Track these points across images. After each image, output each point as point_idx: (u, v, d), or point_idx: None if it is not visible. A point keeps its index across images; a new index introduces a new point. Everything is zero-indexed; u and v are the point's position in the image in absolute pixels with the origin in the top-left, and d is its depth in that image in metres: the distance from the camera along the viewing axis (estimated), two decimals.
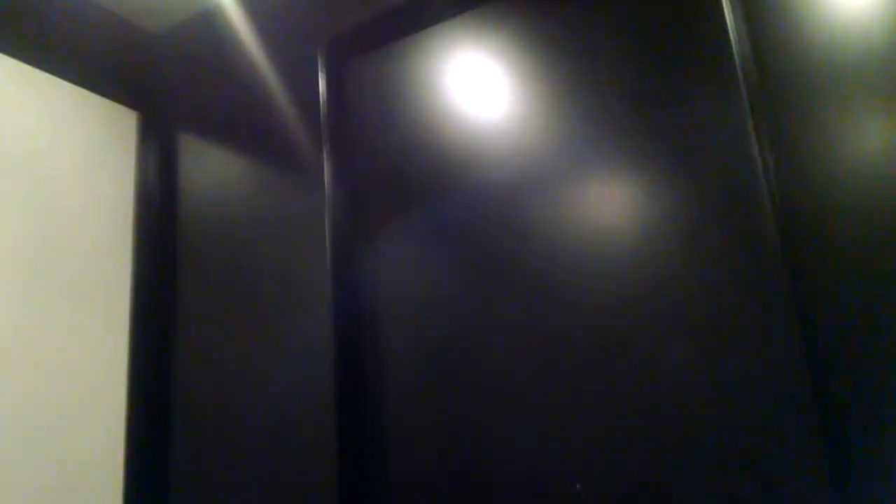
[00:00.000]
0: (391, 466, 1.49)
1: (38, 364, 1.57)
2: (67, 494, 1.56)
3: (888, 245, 1.12)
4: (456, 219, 1.54)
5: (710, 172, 1.29)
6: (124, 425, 1.73)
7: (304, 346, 1.59)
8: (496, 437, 1.39)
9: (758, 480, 1.14)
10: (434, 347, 1.51)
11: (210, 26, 1.96)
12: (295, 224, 1.69)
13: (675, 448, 1.22)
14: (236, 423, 1.65)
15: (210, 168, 1.90)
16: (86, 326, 1.70)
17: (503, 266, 1.46)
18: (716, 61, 1.31)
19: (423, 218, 1.59)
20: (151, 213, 1.91)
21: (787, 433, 1.13)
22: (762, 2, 1.28)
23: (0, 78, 1.65)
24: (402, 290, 1.58)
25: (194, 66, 2.00)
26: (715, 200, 1.27)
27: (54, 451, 1.56)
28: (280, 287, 1.68)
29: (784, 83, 1.25)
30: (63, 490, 1.56)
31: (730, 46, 1.29)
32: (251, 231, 1.77)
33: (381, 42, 1.75)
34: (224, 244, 1.81)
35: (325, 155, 1.66)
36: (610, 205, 1.39)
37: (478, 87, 1.59)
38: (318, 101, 1.71)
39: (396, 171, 1.66)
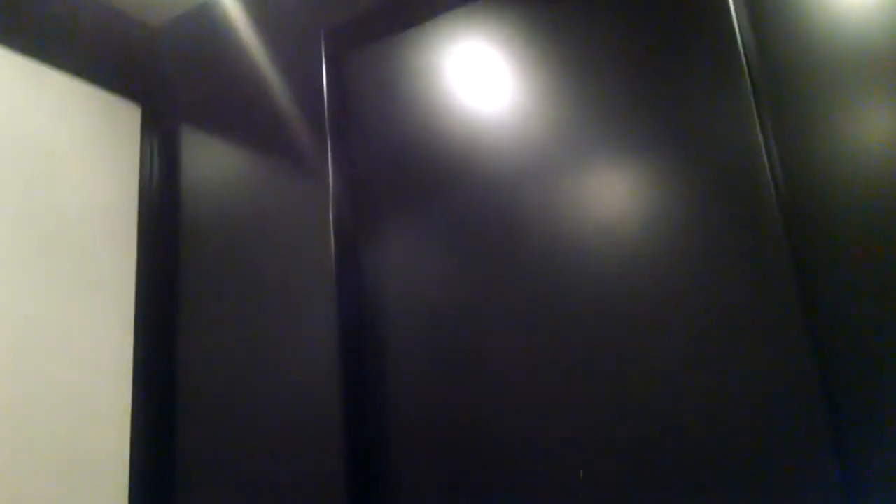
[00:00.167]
0: (396, 457, 1.50)
1: (42, 355, 1.58)
2: (73, 483, 1.57)
3: (894, 234, 1.12)
4: (459, 211, 1.55)
5: (713, 162, 1.28)
6: (129, 415, 1.74)
7: (308, 337, 1.59)
8: (500, 427, 1.40)
9: (761, 472, 1.15)
10: (438, 339, 1.51)
11: (211, 19, 1.96)
12: (298, 217, 1.69)
13: (677, 437, 1.22)
14: (241, 414, 1.66)
15: (212, 161, 1.90)
16: (90, 318, 1.71)
17: (507, 257, 1.46)
18: (720, 51, 1.31)
19: (425, 210, 1.60)
20: (154, 206, 1.91)
21: (791, 424, 1.13)
22: None
23: (1, 72, 1.65)
24: (406, 283, 1.58)
25: (195, 59, 2.00)
26: (718, 190, 1.27)
27: (60, 440, 1.57)
28: (283, 279, 1.68)
29: (788, 72, 1.25)
30: (69, 479, 1.57)
31: (734, 36, 1.29)
32: (254, 223, 1.77)
33: (382, 33, 1.75)
34: (227, 236, 1.82)
35: (328, 147, 1.66)
36: (612, 195, 1.39)
37: (480, 79, 1.59)
38: (320, 94, 1.71)
39: (399, 164, 1.66)
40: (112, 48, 1.95)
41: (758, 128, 1.24)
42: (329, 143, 1.67)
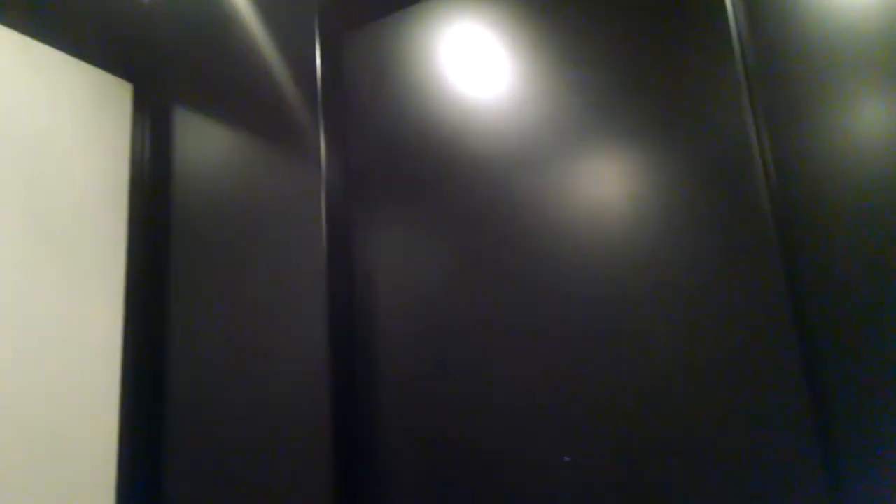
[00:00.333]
0: (385, 448, 1.51)
1: (29, 337, 1.58)
2: (60, 469, 1.58)
3: (883, 221, 1.13)
4: (453, 198, 1.54)
5: (705, 152, 1.28)
6: (118, 401, 1.74)
7: (299, 324, 1.59)
8: (489, 413, 1.40)
9: (745, 458, 1.16)
10: (428, 327, 1.51)
11: None
12: (290, 200, 1.68)
13: (663, 424, 1.23)
14: (229, 403, 1.66)
15: (204, 140, 1.89)
16: (78, 300, 1.70)
17: (499, 245, 1.46)
18: (713, 42, 1.30)
19: (419, 197, 1.59)
20: (145, 185, 1.90)
21: (777, 413, 1.14)
22: None
23: None
24: (398, 271, 1.58)
25: (188, 37, 1.98)
26: (709, 180, 1.27)
27: (47, 426, 1.57)
28: (275, 265, 1.67)
29: (782, 64, 1.25)
30: (56, 465, 1.57)
31: (728, 26, 1.28)
32: (246, 206, 1.76)
33: (377, 14, 1.73)
34: (218, 217, 1.81)
35: (320, 130, 1.65)
36: (606, 184, 1.38)
37: (476, 63, 1.58)
38: (314, 75, 1.69)
39: (393, 149, 1.65)
40: (104, 25, 1.92)
41: (750, 119, 1.24)
42: (322, 125, 1.65)
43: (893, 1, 1.17)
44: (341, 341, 1.56)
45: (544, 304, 1.38)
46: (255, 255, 1.71)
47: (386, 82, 1.69)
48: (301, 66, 1.73)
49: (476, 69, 1.57)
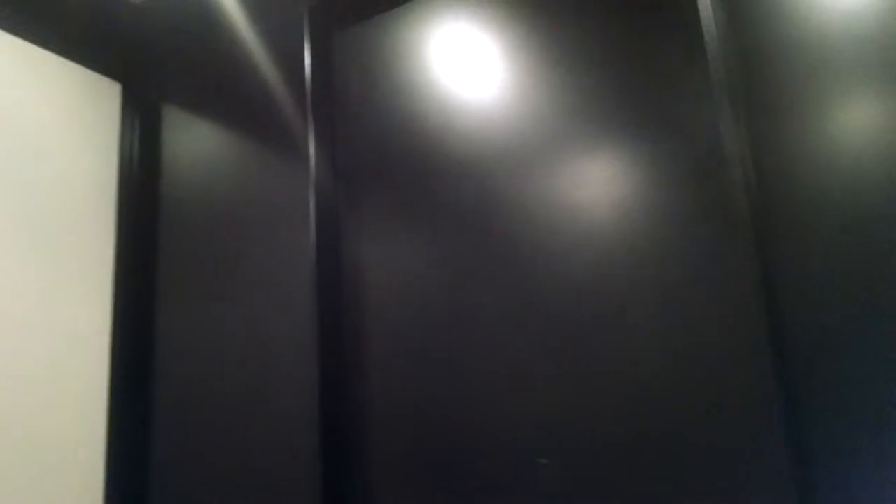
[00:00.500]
0: (370, 439, 1.51)
1: (19, 329, 1.57)
2: (49, 458, 1.56)
3: (856, 218, 1.14)
4: (439, 193, 1.55)
5: (682, 148, 1.30)
6: (106, 391, 1.74)
7: (287, 320, 1.60)
8: (474, 408, 1.41)
9: (717, 455, 1.17)
10: (415, 323, 1.52)
11: None
12: (279, 196, 1.69)
13: (639, 423, 1.24)
14: (217, 394, 1.66)
15: (193, 139, 1.89)
16: (68, 296, 1.70)
17: (485, 240, 1.47)
18: (688, 42, 1.32)
19: (406, 192, 1.60)
20: (133, 183, 1.90)
21: (750, 406, 1.16)
22: None
23: None
24: (385, 266, 1.59)
25: (177, 37, 1.99)
26: (687, 180, 1.28)
27: (35, 414, 1.56)
28: (263, 260, 1.68)
29: (759, 67, 1.27)
30: (44, 454, 1.56)
31: (701, 27, 1.30)
32: (235, 202, 1.77)
33: (366, 14, 1.74)
34: (206, 216, 1.81)
35: (310, 128, 1.66)
36: (587, 180, 1.39)
37: (465, 62, 1.60)
38: (303, 74, 1.70)
39: (381, 145, 1.66)
40: (93, 24, 1.93)
41: (727, 120, 1.25)
42: (311, 124, 1.66)
43: (869, 4, 1.19)
44: (329, 337, 1.56)
45: (528, 300, 1.39)
46: (244, 253, 1.71)
47: (375, 81, 1.70)
48: (290, 65, 1.74)
49: (464, 69, 1.59)
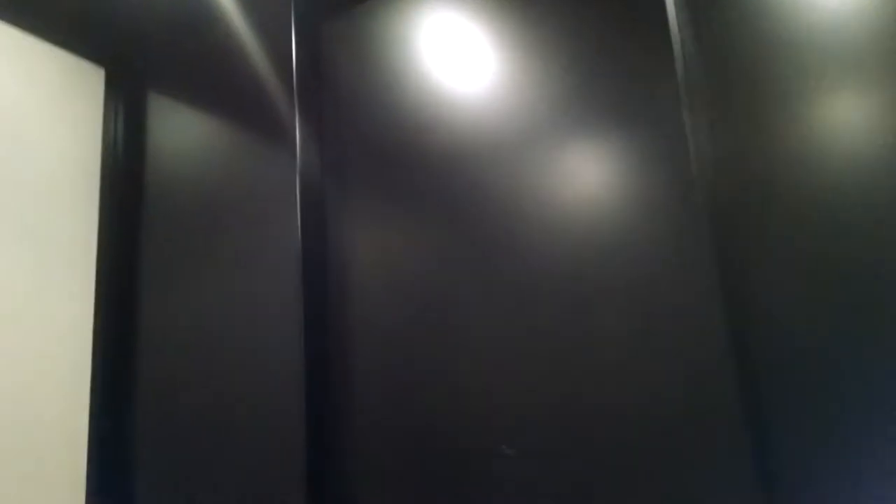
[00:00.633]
0: (355, 428, 1.52)
1: (2, 316, 1.56)
2: (31, 447, 1.56)
3: (815, 220, 1.16)
4: (426, 184, 1.55)
5: (646, 147, 1.31)
6: (88, 384, 1.73)
7: (273, 310, 1.59)
8: (460, 403, 1.41)
9: (681, 454, 1.18)
10: (401, 315, 1.52)
11: None
12: (264, 186, 1.67)
13: (604, 413, 1.25)
14: (202, 384, 1.66)
15: (179, 127, 1.87)
16: (49, 285, 1.68)
17: (471, 232, 1.47)
18: (655, 41, 1.32)
19: (394, 183, 1.59)
20: (117, 171, 1.88)
21: (710, 409, 1.17)
22: None
23: None
24: (372, 257, 1.58)
25: (162, 22, 1.96)
26: (649, 174, 1.29)
27: (17, 401, 1.55)
28: (249, 249, 1.67)
29: (721, 64, 1.28)
30: (25, 442, 1.55)
31: (668, 26, 1.31)
32: (220, 191, 1.75)
33: (354, 2, 1.73)
34: (192, 204, 1.80)
35: (296, 116, 1.64)
36: (565, 170, 1.40)
37: (453, 52, 1.59)
38: (290, 61, 1.69)
39: (369, 135, 1.65)
40: (76, 8, 1.90)
41: (686, 116, 1.26)
42: (297, 113, 1.65)
43: (833, 4, 1.21)
44: (315, 326, 1.56)
45: (506, 290, 1.39)
46: (229, 243, 1.70)
47: (363, 71, 1.69)
48: (277, 53, 1.72)
49: (452, 59, 1.58)
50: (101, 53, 1.94)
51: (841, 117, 1.18)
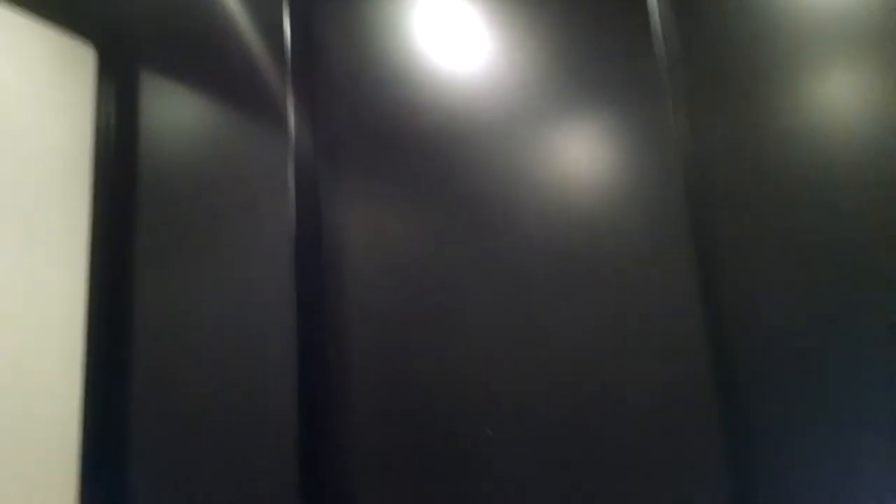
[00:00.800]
0: (346, 408, 1.48)
1: None
2: (21, 430, 1.53)
3: (794, 206, 1.17)
4: (421, 165, 1.51)
5: (629, 125, 1.31)
6: (81, 371, 1.70)
7: (266, 292, 1.56)
8: (456, 388, 1.39)
9: (654, 447, 1.19)
10: (396, 293, 1.49)
11: None
12: (258, 167, 1.63)
13: (585, 398, 1.26)
14: (195, 367, 1.62)
15: (172, 107, 1.84)
16: (40, 270, 1.65)
17: (465, 213, 1.44)
18: (635, 24, 1.32)
19: (388, 164, 1.56)
20: (110, 153, 1.84)
21: (685, 385, 1.18)
22: None
23: None
24: (367, 238, 1.55)
25: (155, 1, 1.89)
26: (631, 160, 1.30)
27: (7, 385, 1.53)
28: (242, 231, 1.63)
29: (703, 52, 1.29)
30: (17, 425, 1.53)
31: (647, 14, 1.31)
32: (214, 173, 1.71)
33: None
34: (185, 186, 1.76)
35: (289, 95, 1.60)
36: (554, 153, 1.39)
37: (449, 30, 1.55)
38: (284, 40, 1.64)
39: (363, 115, 1.61)
40: None
41: (669, 100, 1.26)
42: (291, 92, 1.61)
43: None
44: (309, 312, 1.52)
45: (504, 273, 1.38)
46: (223, 227, 1.67)
47: (357, 51, 1.64)
48: (270, 32, 1.68)
49: (446, 40, 1.55)
50: (91, 32, 1.88)
51: (828, 101, 1.18)
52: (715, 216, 1.22)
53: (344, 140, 1.62)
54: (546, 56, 1.41)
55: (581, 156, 1.35)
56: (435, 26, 1.56)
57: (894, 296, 1.09)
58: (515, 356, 1.33)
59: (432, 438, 1.39)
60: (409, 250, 1.49)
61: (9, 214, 1.60)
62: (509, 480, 1.30)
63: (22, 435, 1.53)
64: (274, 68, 1.65)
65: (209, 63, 1.77)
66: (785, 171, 1.18)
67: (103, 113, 1.84)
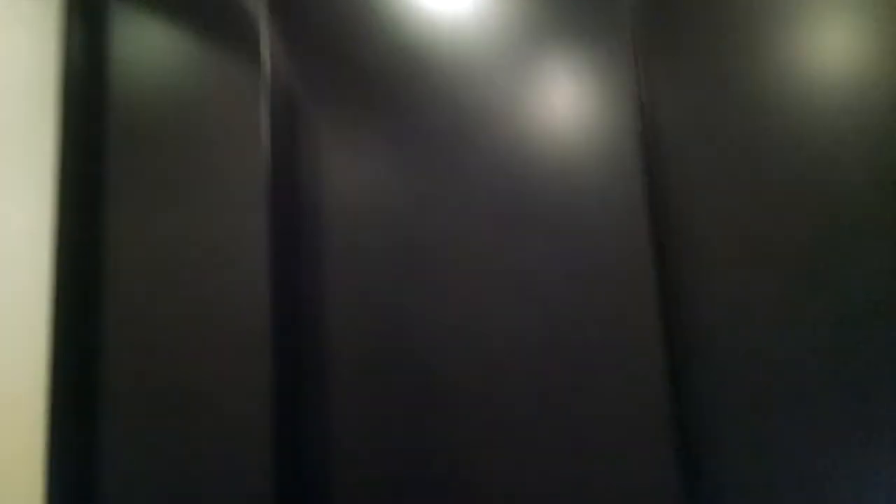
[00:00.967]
0: (325, 360, 1.44)
1: None
2: None
3: (747, 176, 1.17)
4: (407, 105, 1.44)
5: (592, 69, 1.30)
6: (46, 315, 1.61)
7: (239, 237, 1.49)
8: (436, 339, 1.36)
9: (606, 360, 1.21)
10: (375, 244, 1.43)
11: None
12: (232, 100, 1.54)
13: (548, 336, 1.26)
14: (165, 314, 1.55)
15: (142, 37, 1.71)
16: (5, 199, 1.55)
17: (451, 157, 1.39)
18: None
19: (372, 103, 1.48)
20: (77, 84, 1.71)
21: (635, 321, 1.19)
22: None
23: None
24: (345, 181, 1.48)
25: None
26: (590, 126, 1.28)
27: None
28: (215, 171, 1.55)
29: (666, 20, 1.27)
30: None
31: None
32: (185, 105, 1.61)
33: None
34: (156, 117, 1.65)
35: (265, 28, 1.52)
36: (529, 96, 1.36)
37: None
38: None
39: (341, 49, 1.52)
40: None
41: (631, 68, 1.25)
42: (267, 23, 1.52)
43: None
44: (284, 250, 1.46)
45: (484, 215, 1.36)
46: (196, 161, 1.58)
47: None
48: None
49: None
50: None
51: (794, 61, 1.16)
52: (666, 161, 1.22)
53: (324, 71, 1.53)
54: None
55: (547, 95, 1.33)
56: None
57: (850, 265, 1.10)
58: (482, 299, 1.32)
59: (412, 381, 1.35)
60: (393, 189, 1.42)
61: None
62: (486, 426, 1.28)
63: None
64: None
65: None
66: (751, 128, 1.19)
67: (72, 43, 1.71)
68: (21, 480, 1.51)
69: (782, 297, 1.13)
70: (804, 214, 1.14)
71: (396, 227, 1.41)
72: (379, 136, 1.46)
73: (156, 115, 1.66)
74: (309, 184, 1.51)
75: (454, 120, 1.39)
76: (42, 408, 1.57)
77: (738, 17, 1.22)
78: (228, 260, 1.50)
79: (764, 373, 1.13)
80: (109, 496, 1.54)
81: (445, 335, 1.34)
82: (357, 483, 1.37)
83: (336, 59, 1.52)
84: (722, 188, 1.19)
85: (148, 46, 1.70)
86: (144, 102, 1.68)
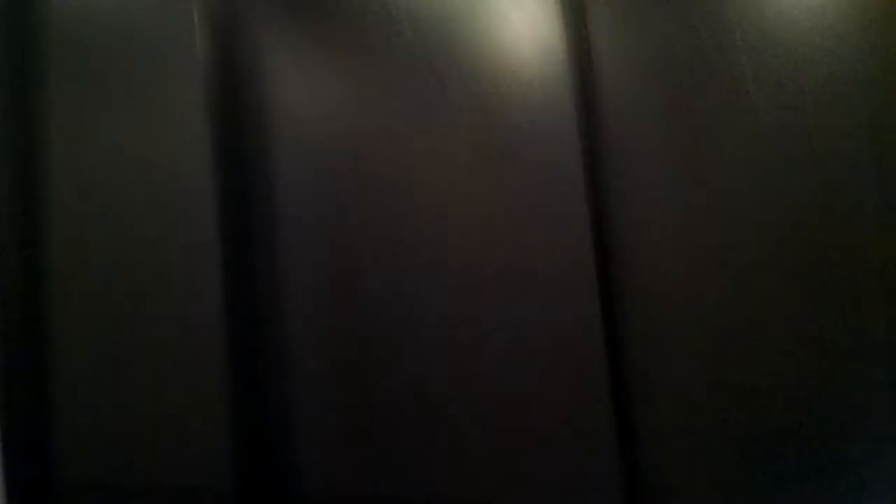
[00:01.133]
0: (283, 294, 1.36)
1: None
2: None
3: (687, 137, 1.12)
4: (365, 25, 1.30)
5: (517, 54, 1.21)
6: None
7: (179, 154, 1.36)
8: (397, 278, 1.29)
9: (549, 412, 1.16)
10: (329, 176, 1.33)
11: None
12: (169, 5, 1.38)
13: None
14: (104, 220, 1.44)
15: None
16: None
17: (407, 68, 1.28)
18: None
19: (326, 19, 1.33)
20: None
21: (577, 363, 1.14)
22: None
23: None
24: (292, 94, 1.35)
25: None
26: (518, 84, 1.20)
27: None
28: (150, 85, 1.41)
29: None
30: None
31: None
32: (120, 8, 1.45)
33: None
34: (89, 21, 1.49)
35: None
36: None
37: None
38: None
39: None
40: None
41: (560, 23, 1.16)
42: None
43: None
44: (228, 159, 1.35)
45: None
46: (129, 68, 1.44)
47: None
48: None
49: None
50: None
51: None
52: (600, 98, 1.17)
53: None
54: None
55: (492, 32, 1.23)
56: None
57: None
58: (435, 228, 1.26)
59: (373, 323, 1.29)
60: (339, 104, 1.31)
61: None
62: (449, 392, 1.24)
63: None
64: None
65: None
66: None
67: None
68: None
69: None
70: (753, 168, 1.09)
71: (347, 148, 1.29)
72: (331, 48, 1.33)
73: (89, 19, 1.49)
74: (251, 93, 1.37)
75: (418, 34, 1.28)
76: None
77: None
78: (171, 172, 1.38)
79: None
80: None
81: (392, 263, 1.28)
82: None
83: None
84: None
85: None
86: (73, 5, 1.51)
